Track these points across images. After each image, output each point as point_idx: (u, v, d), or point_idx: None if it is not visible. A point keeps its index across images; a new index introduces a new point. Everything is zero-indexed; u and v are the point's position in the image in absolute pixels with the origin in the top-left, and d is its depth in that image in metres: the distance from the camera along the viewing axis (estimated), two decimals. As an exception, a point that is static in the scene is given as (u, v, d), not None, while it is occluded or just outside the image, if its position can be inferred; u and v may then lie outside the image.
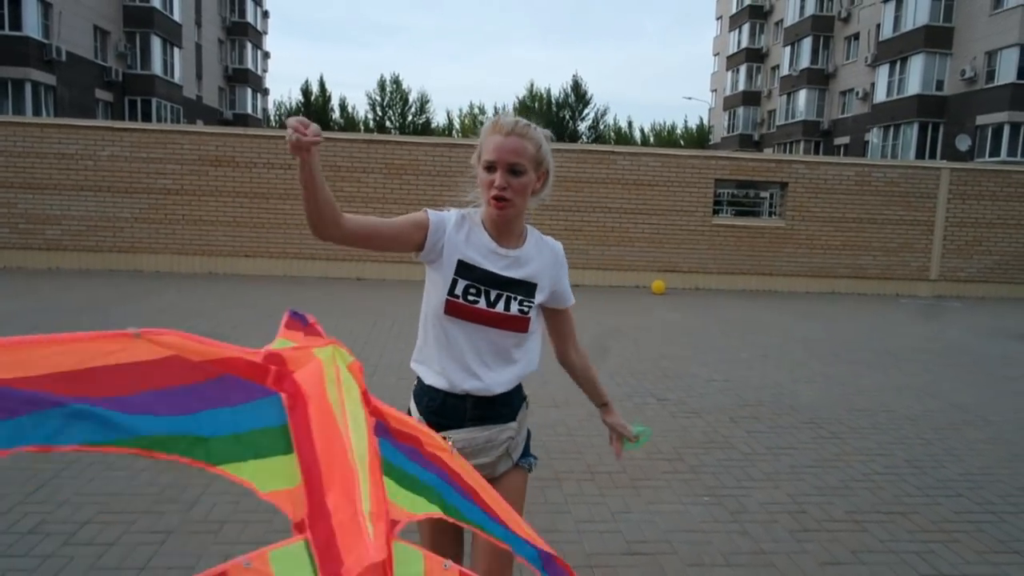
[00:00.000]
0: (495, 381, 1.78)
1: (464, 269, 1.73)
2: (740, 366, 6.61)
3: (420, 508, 1.23)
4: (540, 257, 1.82)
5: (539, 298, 1.80)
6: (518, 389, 1.87)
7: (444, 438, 1.47)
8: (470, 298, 1.73)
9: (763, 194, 13.87)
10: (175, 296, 9.25)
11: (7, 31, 24.80)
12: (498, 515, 1.36)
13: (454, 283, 1.73)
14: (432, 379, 1.81)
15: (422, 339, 1.85)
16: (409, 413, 1.85)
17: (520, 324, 1.77)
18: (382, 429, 1.25)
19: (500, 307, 1.75)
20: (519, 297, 1.77)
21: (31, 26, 25.36)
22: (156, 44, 33.08)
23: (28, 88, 25.40)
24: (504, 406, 1.82)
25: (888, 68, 32.83)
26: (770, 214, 13.47)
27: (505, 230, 1.77)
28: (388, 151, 11.80)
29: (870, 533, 3.30)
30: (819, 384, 6.06)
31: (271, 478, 1.08)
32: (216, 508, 3.25)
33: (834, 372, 6.53)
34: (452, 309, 1.73)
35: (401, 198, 11.72)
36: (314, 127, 1.38)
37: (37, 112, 25.64)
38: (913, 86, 31.13)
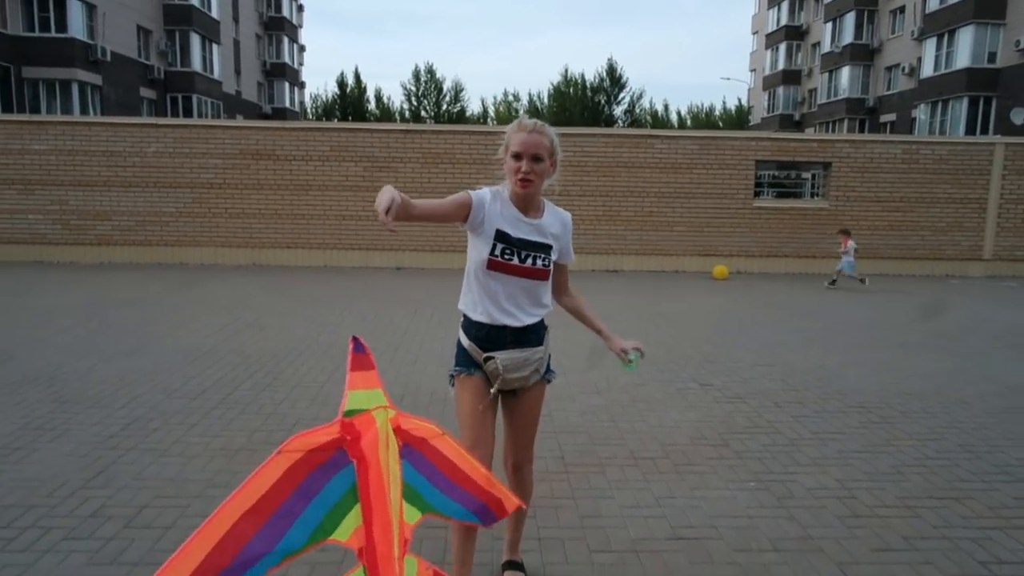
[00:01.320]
0: (526, 315, 2.41)
1: (501, 236, 2.33)
2: (784, 350, 6.50)
3: (414, 517, 1.71)
4: (555, 224, 2.44)
5: (553, 256, 2.43)
6: (542, 321, 2.50)
7: (493, 391, 2.41)
8: (506, 257, 2.33)
9: (804, 175, 13.56)
10: (220, 287, 9.46)
11: (54, 33, 25.53)
12: (467, 486, 1.84)
13: (494, 246, 2.32)
14: (478, 316, 2.40)
15: (467, 287, 2.45)
16: (459, 342, 2.49)
17: (543, 274, 2.42)
18: (407, 450, 1.69)
19: (528, 263, 2.37)
20: (541, 255, 2.39)
21: (76, 28, 26.06)
22: (195, 41, 33.69)
23: (75, 88, 26.13)
24: (533, 334, 2.45)
25: (936, 41, 31.66)
26: (812, 195, 13.16)
27: (528, 204, 2.38)
28: (424, 140, 11.85)
29: (923, 519, 3.23)
30: (867, 368, 5.93)
31: (348, 526, 1.53)
32: (266, 493, 3.33)
33: (883, 356, 6.38)
34: (493, 266, 2.34)
35: (438, 187, 11.76)
36: (393, 207, 1.96)
37: (84, 111, 26.38)
38: (962, 59, 29.98)
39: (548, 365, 2.55)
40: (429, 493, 1.77)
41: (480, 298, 2.40)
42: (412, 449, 1.72)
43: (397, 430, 1.66)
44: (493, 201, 2.33)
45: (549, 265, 2.41)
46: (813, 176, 13.18)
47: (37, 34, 25.34)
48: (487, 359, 2.40)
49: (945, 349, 6.68)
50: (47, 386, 4.89)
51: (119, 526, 2.98)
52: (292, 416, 4.41)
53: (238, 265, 11.82)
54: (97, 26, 27.21)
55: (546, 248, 2.40)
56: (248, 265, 11.85)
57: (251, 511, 1.34)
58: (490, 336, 2.40)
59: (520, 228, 2.35)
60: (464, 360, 2.47)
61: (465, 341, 2.47)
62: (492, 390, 2.40)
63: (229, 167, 11.72)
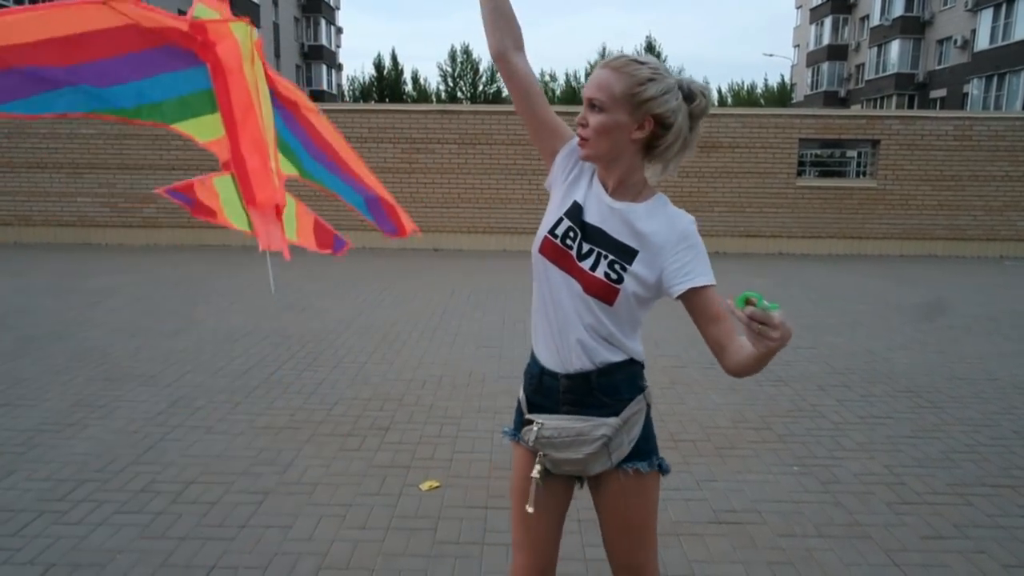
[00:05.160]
0: (588, 355, 1.54)
1: (575, 210, 1.57)
2: (828, 333, 6.35)
3: (286, 168, 1.58)
4: (651, 222, 1.52)
5: (638, 269, 1.50)
6: (630, 378, 1.58)
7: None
8: (567, 242, 1.55)
9: (850, 153, 13.17)
10: (261, 269, 9.60)
11: (100, 19, 26.08)
12: (344, 167, 1.64)
13: (559, 222, 1.57)
14: (535, 348, 1.64)
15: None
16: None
17: (603, 291, 1.50)
18: (275, 103, 1.54)
19: (587, 263, 1.52)
20: (610, 258, 1.51)
21: (121, 13, 26.58)
22: (236, 25, 34.09)
23: (121, 74, 26.72)
24: (606, 395, 1.55)
25: (992, 12, 30.37)
26: (858, 174, 12.79)
27: (611, 178, 1.55)
28: (462, 121, 11.81)
29: (975, 507, 3.13)
30: (916, 351, 5.76)
31: (205, 131, 1.48)
32: (309, 471, 3.38)
33: (932, 339, 6.19)
34: (546, 248, 1.57)
35: (475, 167, 11.74)
36: None
37: (130, 96, 26.95)
38: (1021, 31, 28.72)
39: (640, 449, 1.60)
40: (305, 159, 1.61)
41: (535, 312, 1.62)
42: (281, 105, 1.55)
43: (265, 74, 1.49)
44: (570, 162, 1.63)
45: (619, 280, 1.50)
46: (859, 154, 12.80)
47: (84, 21, 25.91)
48: (526, 422, 1.64)
49: (998, 333, 6.45)
50: (97, 365, 5.04)
51: (167, 501, 3.06)
52: (333, 395, 4.47)
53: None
54: (141, 12, 27.71)
55: (625, 252, 1.51)
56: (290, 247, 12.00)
57: (56, 41, 1.24)
58: (542, 385, 1.61)
59: (593, 207, 1.56)
60: (516, 417, 1.71)
61: (521, 394, 1.70)
62: (534, 473, 1.60)
63: (269, 150, 11.86)
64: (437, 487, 3.25)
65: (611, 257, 1.51)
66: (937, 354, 5.68)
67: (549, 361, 1.59)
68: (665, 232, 1.51)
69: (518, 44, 1.62)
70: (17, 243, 11.85)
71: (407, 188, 11.85)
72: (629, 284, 1.50)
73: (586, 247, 1.53)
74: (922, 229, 11.96)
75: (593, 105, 1.48)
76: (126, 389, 4.52)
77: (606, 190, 1.57)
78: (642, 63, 1.49)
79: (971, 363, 5.43)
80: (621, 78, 1.47)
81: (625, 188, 1.56)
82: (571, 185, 1.60)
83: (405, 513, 3.00)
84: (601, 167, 1.57)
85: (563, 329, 1.55)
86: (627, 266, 1.50)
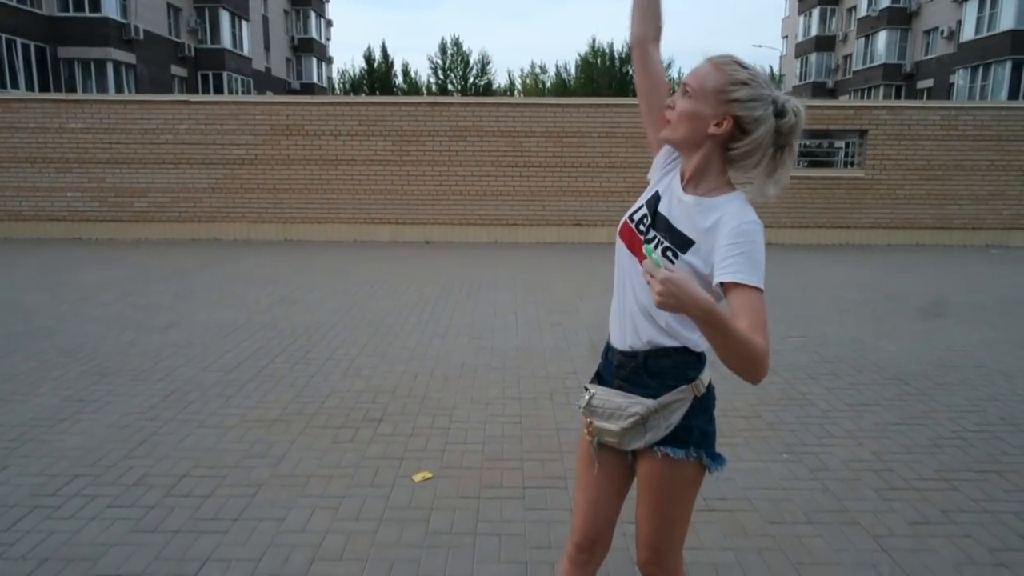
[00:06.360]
0: (638, 335, 1.61)
1: (653, 200, 1.65)
2: (817, 322, 6.40)
3: None
4: (711, 217, 1.52)
5: (691, 259, 1.52)
6: (679, 366, 1.61)
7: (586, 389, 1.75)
8: (641, 227, 1.63)
9: (838, 143, 13.22)
10: (252, 264, 9.58)
11: (88, 13, 25.79)
12: None
13: (639, 208, 1.67)
14: (610, 325, 1.74)
15: None
16: None
17: None
18: None
19: (648, 248, 1.55)
20: (665, 244, 1.56)
21: (110, 7, 26.30)
22: (225, 18, 33.82)
23: (110, 67, 26.46)
24: (652, 376, 1.62)
25: (977, 3, 30.49)
26: (846, 164, 12.84)
27: (688, 169, 1.59)
28: (452, 113, 11.78)
29: (962, 492, 3.18)
30: (904, 339, 5.81)
31: None
32: (302, 463, 3.39)
33: (920, 327, 6.25)
34: (623, 232, 1.67)
35: (467, 160, 11.72)
36: None
37: (119, 90, 26.71)
38: (1006, 21, 28.84)
39: (678, 436, 1.62)
40: None
41: (614, 290, 1.71)
42: None
43: None
44: (670, 156, 1.69)
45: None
46: (847, 145, 12.85)
47: (71, 14, 25.65)
48: (584, 390, 1.76)
49: (985, 320, 6.51)
50: (89, 359, 5.02)
51: (160, 495, 3.06)
52: (325, 388, 4.48)
53: (269, 240, 11.95)
54: (130, 5, 27.43)
55: (682, 241, 1.56)
56: (279, 240, 11.97)
57: None
58: (607, 357, 1.74)
59: (669, 201, 1.63)
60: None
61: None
62: (586, 437, 1.75)
63: (260, 143, 11.80)
64: (430, 478, 3.27)
65: (666, 244, 1.57)
66: (925, 342, 5.73)
67: (614, 337, 1.70)
68: (722, 227, 1.49)
69: (658, 36, 1.75)
70: (7, 238, 11.76)
71: (398, 180, 11.82)
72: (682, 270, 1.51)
73: (651, 233, 1.61)
74: (909, 218, 12.04)
75: (686, 91, 1.54)
76: (118, 384, 4.51)
77: (682, 181, 1.62)
78: (744, 67, 1.53)
79: (958, 351, 5.49)
80: (718, 74, 1.52)
81: (698, 181, 1.59)
82: (662, 177, 1.69)
83: (398, 504, 3.02)
84: (679, 152, 1.64)
85: (625, 307, 1.65)
86: (679, 254, 1.54)
